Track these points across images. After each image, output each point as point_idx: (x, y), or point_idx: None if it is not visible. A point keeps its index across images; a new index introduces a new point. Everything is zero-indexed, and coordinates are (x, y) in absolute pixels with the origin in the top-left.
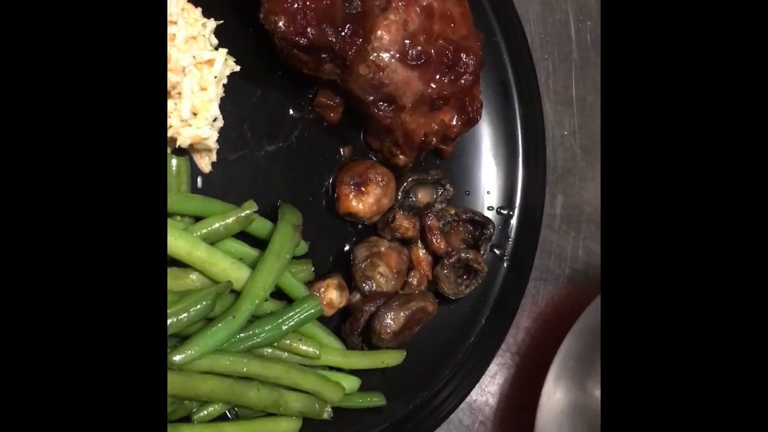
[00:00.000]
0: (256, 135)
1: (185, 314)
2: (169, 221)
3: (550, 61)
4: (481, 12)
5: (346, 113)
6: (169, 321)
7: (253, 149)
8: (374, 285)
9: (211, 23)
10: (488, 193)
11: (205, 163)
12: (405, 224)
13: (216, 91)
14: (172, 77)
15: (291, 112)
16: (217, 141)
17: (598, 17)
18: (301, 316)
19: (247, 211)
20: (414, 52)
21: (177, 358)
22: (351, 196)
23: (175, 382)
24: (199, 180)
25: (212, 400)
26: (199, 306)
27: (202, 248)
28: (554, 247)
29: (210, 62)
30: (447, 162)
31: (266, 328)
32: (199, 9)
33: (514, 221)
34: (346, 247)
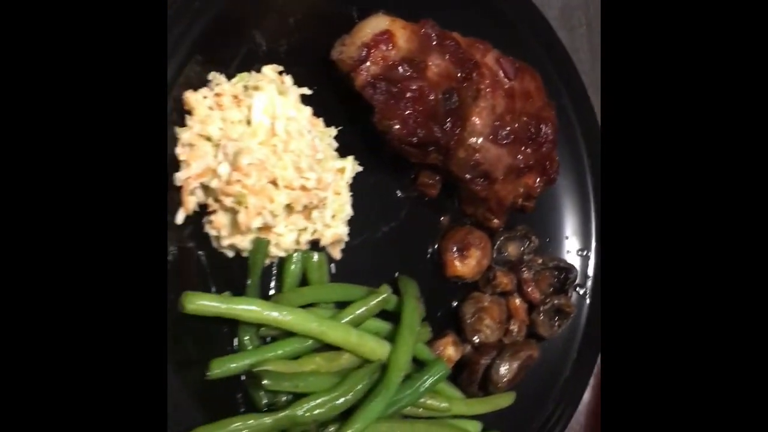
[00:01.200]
0: (373, 219)
1: (351, 394)
2: (319, 311)
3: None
4: (547, 76)
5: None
6: (339, 401)
7: (372, 232)
8: (482, 337)
9: (332, 130)
10: (567, 238)
11: (336, 252)
12: (504, 280)
13: (348, 194)
14: (320, 194)
15: (398, 193)
16: None
17: None
18: (434, 379)
19: (384, 295)
20: (503, 133)
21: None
22: (456, 261)
23: None
24: (333, 267)
25: None
26: (360, 386)
27: (353, 334)
28: None
29: (341, 170)
30: (528, 215)
31: (407, 392)
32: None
33: (591, 261)
34: (454, 304)
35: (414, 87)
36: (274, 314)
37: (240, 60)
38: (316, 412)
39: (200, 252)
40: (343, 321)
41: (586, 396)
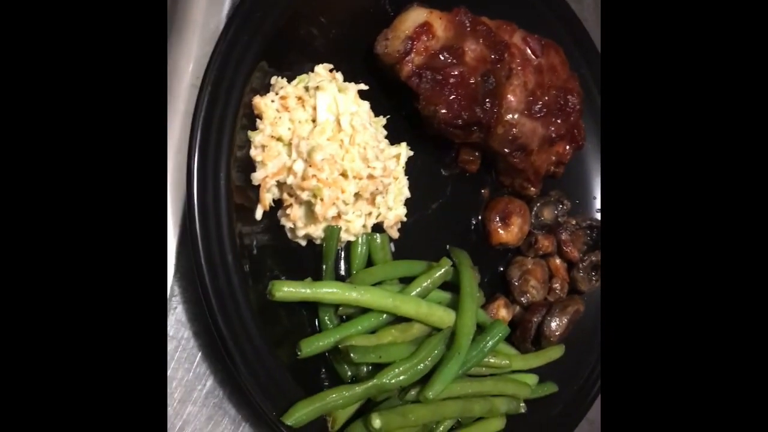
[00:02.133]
0: (423, 198)
1: (429, 360)
2: (387, 287)
3: None
4: (566, 48)
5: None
6: (419, 367)
7: (423, 210)
8: (530, 297)
9: (382, 120)
10: (594, 198)
11: (394, 232)
12: (545, 243)
13: (404, 177)
14: (385, 180)
15: (442, 172)
16: None
17: None
18: (496, 339)
19: (446, 267)
20: (536, 107)
21: (430, 394)
22: (500, 230)
23: (428, 412)
24: (392, 245)
25: (453, 418)
26: (435, 352)
27: (423, 305)
28: None
29: (397, 156)
30: (558, 180)
31: (473, 353)
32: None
33: None
34: (500, 269)
35: (455, 73)
36: (354, 294)
37: (295, 62)
38: (401, 377)
39: (275, 243)
40: (412, 294)
41: None
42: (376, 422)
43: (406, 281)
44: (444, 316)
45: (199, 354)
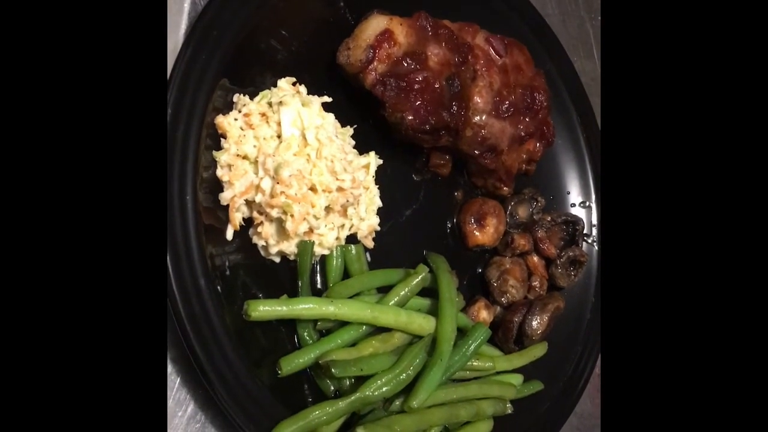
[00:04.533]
0: (396, 205)
1: (411, 369)
2: (365, 298)
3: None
4: (530, 46)
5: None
6: (402, 377)
7: (397, 218)
8: (510, 296)
9: (349, 130)
10: (568, 193)
11: (369, 241)
12: (522, 242)
13: (375, 187)
14: (355, 192)
15: (414, 177)
16: None
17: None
18: (478, 342)
19: (423, 274)
20: (503, 107)
21: (415, 403)
22: (476, 231)
23: (413, 421)
24: (368, 255)
25: (440, 425)
26: (417, 360)
27: (402, 314)
28: None
29: (366, 166)
30: (531, 178)
31: (456, 358)
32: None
33: (594, 211)
34: (478, 270)
35: (420, 78)
36: (331, 308)
37: (257, 78)
38: (384, 389)
39: (248, 262)
40: (390, 304)
41: None
42: None
43: (385, 290)
44: (424, 324)
45: (178, 380)
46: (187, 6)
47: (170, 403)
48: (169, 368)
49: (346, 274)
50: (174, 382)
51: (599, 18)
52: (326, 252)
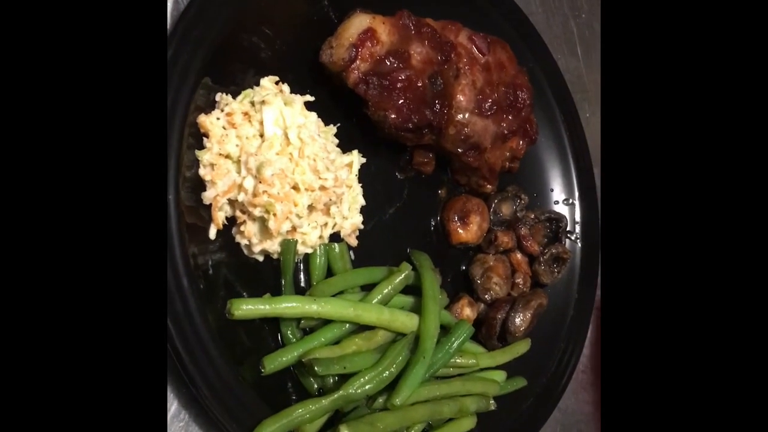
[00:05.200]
0: (380, 203)
1: (394, 366)
2: (349, 297)
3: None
4: (513, 44)
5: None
6: (384, 375)
7: (381, 215)
8: (493, 294)
9: (332, 128)
10: (552, 190)
11: (353, 240)
12: (505, 239)
13: (358, 185)
14: (338, 190)
15: (398, 175)
16: None
17: (593, 12)
18: (461, 340)
19: (406, 272)
20: (486, 105)
21: (398, 400)
22: (459, 229)
23: (396, 419)
24: (351, 253)
25: (423, 422)
26: (400, 358)
27: (385, 312)
28: None
29: (349, 164)
30: (514, 175)
31: (439, 356)
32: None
33: (577, 208)
34: (462, 268)
35: (403, 77)
36: (314, 306)
37: (239, 76)
38: (367, 387)
39: (231, 260)
40: (373, 302)
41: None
42: None
43: (369, 288)
44: (407, 321)
45: None
46: (169, 4)
47: None
48: None
49: (329, 273)
50: None
51: (583, 16)
52: (309, 250)
